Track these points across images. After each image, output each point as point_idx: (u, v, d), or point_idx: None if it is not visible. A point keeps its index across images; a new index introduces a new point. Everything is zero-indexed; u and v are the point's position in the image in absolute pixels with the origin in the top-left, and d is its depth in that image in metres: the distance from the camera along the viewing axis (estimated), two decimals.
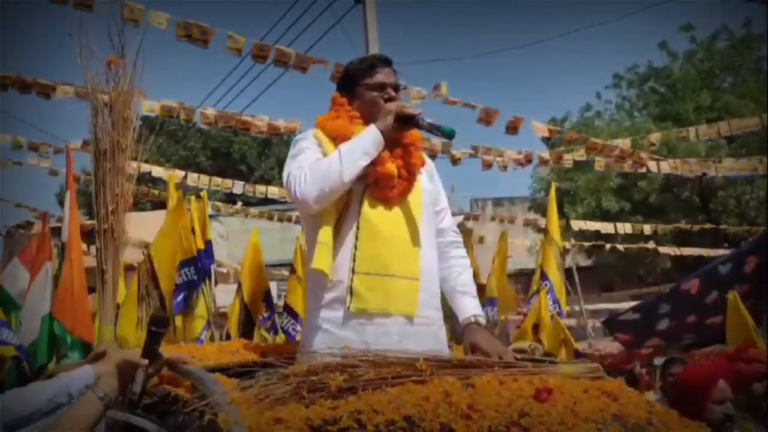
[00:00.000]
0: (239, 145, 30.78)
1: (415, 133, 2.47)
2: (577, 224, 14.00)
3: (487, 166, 9.41)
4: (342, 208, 2.37)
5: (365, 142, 2.33)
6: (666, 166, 9.01)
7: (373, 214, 2.33)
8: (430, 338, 2.31)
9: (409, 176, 2.40)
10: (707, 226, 13.98)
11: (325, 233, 2.32)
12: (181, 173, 9.75)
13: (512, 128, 8.30)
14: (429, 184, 2.52)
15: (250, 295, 6.44)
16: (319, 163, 2.34)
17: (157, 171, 9.62)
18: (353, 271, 2.29)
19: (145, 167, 9.38)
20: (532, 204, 20.04)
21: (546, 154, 9.65)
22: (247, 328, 6.25)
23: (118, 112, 3.00)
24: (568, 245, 16.21)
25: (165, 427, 1.77)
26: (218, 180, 9.94)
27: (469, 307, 2.44)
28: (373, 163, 2.34)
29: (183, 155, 28.49)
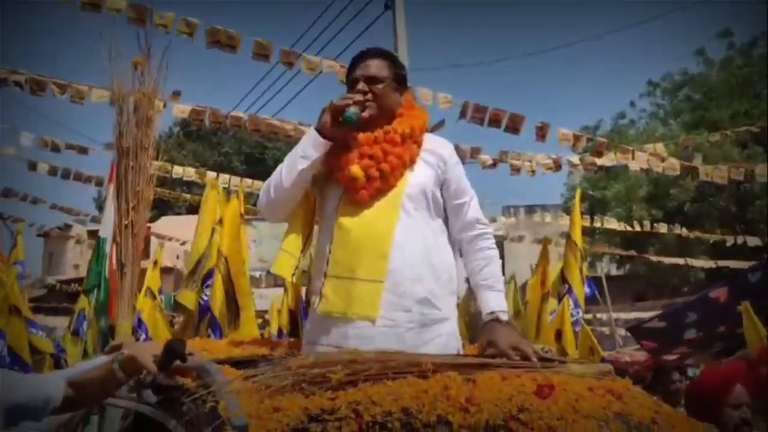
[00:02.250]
0: (273, 150, 31.15)
1: (398, 130, 2.33)
2: (613, 225, 13.82)
3: (516, 170, 9.36)
4: (310, 214, 2.38)
5: (302, 145, 2.32)
6: (699, 171, 8.83)
7: (344, 218, 2.29)
8: (393, 341, 2.15)
9: (381, 175, 2.28)
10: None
11: (289, 241, 2.35)
12: (213, 174, 9.87)
13: (540, 135, 8.26)
14: (426, 176, 2.36)
15: (294, 301, 6.63)
16: (274, 173, 2.36)
17: (189, 173, 9.76)
18: (325, 275, 2.29)
19: (178, 170, 9.56)
20: (565, 211, 19.85)
21: (576, 159, 9.54)
22: (292, 330, 6.43)
23: (142, 112, 3.08)
24: (604, 250, 16.09)
25: (167, 413, 1.81)
26: (249, 181, 10.03)
27: (490, 303, 2.27)
28: (340, 167, 2.30)
29: (218, 160, 28.94)
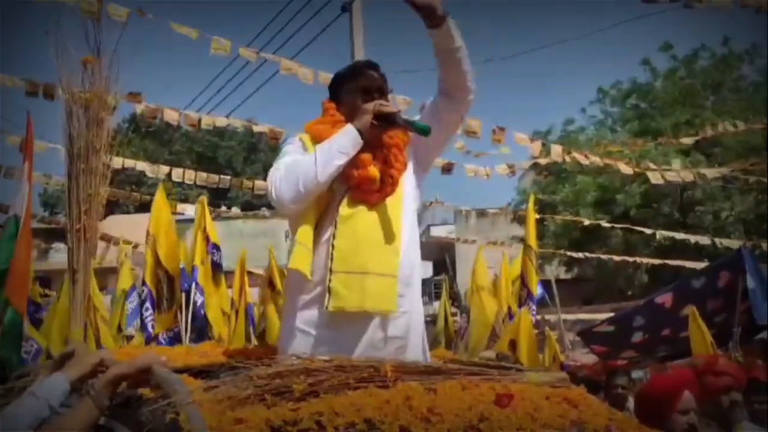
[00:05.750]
0: (225, 150, 30.68)
1: (400, 137, 2.45)
2: (564, 217, 14.20)
3: (472, 173, 9.48)
4: (323, 209, 2.38)
5: (341, 141, 2.34)
6: (650, 176, 9.15)
7: (351, 215, 2.34)
8: (405, 328, 2.35)
9: (392, 181, 2.39)
10: (688, 236, 14.10)
11: (303, 233, 2.33)
12: (166, 168, 9.57)
13: (496, 140, 8.40)
14: (412, 177, 2.50)
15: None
16: (295, 164, 2.35)
17: (141, 166, 9.45)
18: (331, 270, 2.29)
19: (129, 162, 9.28)
20: (514, 216, 20.15)
21: (530, 163, 9.71)
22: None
23: (93, 113, 2.99)
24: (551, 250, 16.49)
25: (126, 425, 1.78)
26: (203, 175, 9.72)
27: None
28: (356, 166, 2.35)
29: (168, 159, 28.36)
